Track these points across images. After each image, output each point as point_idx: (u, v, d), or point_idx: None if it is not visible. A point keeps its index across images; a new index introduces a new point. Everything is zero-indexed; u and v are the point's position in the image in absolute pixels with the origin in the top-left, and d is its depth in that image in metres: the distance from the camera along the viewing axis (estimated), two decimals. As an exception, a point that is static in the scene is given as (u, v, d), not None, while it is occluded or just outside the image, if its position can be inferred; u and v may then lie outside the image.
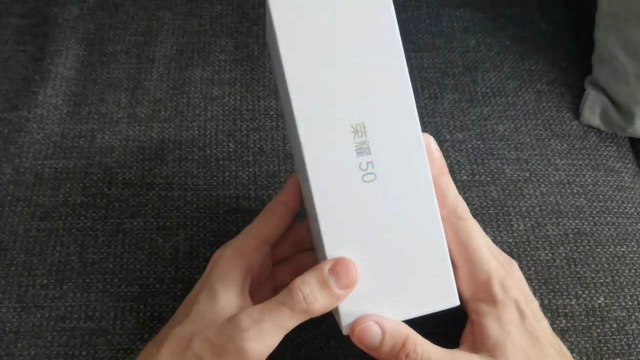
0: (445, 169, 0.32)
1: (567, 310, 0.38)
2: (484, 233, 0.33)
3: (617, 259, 0.40)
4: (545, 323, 0.32)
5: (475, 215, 0.35)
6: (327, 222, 0.30)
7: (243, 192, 0.42)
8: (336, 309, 0.30)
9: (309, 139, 0.29)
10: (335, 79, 0.30)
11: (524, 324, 0.31)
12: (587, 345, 0.37)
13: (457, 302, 0.30)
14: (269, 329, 0.29)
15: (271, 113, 0.46)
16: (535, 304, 0.32)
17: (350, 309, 0.30)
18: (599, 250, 0.40)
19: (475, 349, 0.31)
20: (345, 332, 0.30)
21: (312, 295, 0.29)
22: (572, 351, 0.36)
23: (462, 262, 0.32)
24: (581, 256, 0.40)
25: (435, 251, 0.30)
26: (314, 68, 0.30)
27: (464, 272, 0.32)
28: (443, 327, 0.33)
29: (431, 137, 0.31)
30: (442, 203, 0.31)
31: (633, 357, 0.36)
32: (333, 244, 0.30)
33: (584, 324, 0.38)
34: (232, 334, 0.29)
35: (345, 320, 0.30)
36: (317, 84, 0.30)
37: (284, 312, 0.29)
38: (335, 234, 0.30)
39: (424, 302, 0.30)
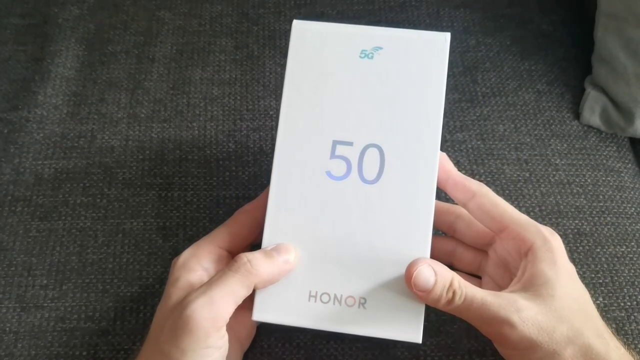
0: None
1: (566, 311, 0.38)
2: None
3: (616, 259, 0.40)
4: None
5: (475, 216, 0.35)
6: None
7: (243, 192, 0.42)
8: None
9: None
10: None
11: (572, 274, 0.32)
12: (587, 346, 0.37)
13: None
14: (217, 296, 0.29)
15: (271, 113, 0.46)
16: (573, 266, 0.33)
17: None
18: (598, 250, 0.40)
19: (522, 287, 0.31)
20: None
21: (255, 259, 0.30)
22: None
23: (507, 222, 0.33)
24: (581, 256, 0.40)
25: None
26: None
27: (513, 231, 0.32)
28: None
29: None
30: (468, 188, 0.33)
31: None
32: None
33: (584, 324, 0.38)
34: (181, 310, 0.29)
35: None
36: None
37: (229, 275, 0.29)
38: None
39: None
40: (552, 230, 0.33)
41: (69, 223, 0.41)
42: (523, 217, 0.33)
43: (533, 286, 0.31)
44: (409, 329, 0.30)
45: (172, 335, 0.28)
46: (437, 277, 0.29)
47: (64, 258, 0.40)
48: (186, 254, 0.33)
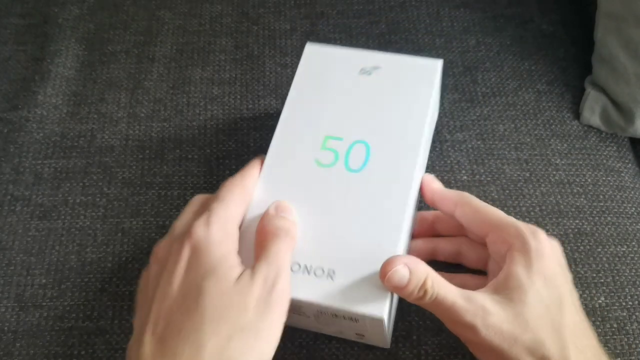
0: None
1: (567, 310, 0.38)
2: None
3: (617, 259, 0.40)
4: (575, 294, 0.32)
5: (475, 214, 0.35)
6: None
7: (242, 192, 0.42)
8: None
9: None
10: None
11: (552, 278, 0.31)
12: (588, 345, 0.37)
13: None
14: (288, 269, 0.31)
15: (271, 112, 0.46)
16: (568, 273, 0.33)
17: None
18: (599, 250, 0.40)
19: (494, 289, 0.31)
20: None
21: (294, 225, 0.33)
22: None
23: (489, 226, 0.33)
24: (582, 256, 0.40)
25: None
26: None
27: (495, 233, 0.33)
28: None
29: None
30: (450, 199, 0.35)
31: (633, 357, 0.36)
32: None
33: (585, 324, 0.37)
34: (270, 288, 0.29)
35: None
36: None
37: (288, 245, 0.32)
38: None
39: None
40: (540, 233, 0.32)
41: (69, 222, 0.41)
42: (505, 220, 0.33)
43: (505, 289, 0.30)
44: (374, 305, 0.31)
45: (267, 311, 0.29)
46: (411, 275, 0.30)
47: (63, 257, 0.40)
48: (217, 233, 0.31)
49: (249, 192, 0.34)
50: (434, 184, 0.36)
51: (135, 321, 0.31)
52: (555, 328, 0.30)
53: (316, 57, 0.40)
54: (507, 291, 0.30)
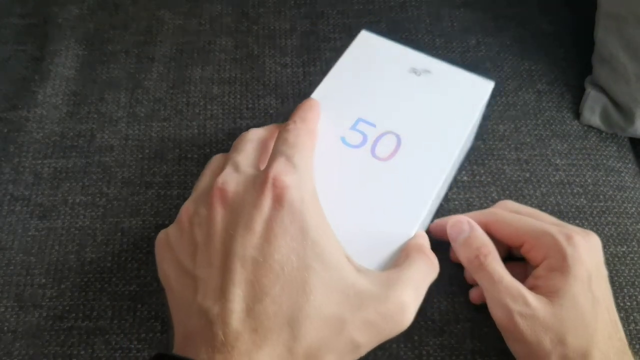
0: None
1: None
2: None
3: (617, 259, 0.40)
4: (609, 292, 0.33)
5: (474, 214, 0.35)
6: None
7: (242, 192, 0.42)
8: None
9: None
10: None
11: (588, 282, 0.31)
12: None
13: None
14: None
15: (271, 112, 0.46)
16: (604, 271, 0.33)
17: None
18: (599, 250, 0.40)
19: (532, 289, 0.32)
20: None
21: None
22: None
23: (523, 238, 0.34)
24: (581, 256, 0.40)
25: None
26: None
27: (529, 243, 0.33)
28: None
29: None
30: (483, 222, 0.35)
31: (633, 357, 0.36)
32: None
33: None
34: (395, 300, 0.27)
35: None
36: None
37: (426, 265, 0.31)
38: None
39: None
40: (575, 237, 0.32)
41: (68, 222, 0.41)
42: (538, 229, 0.33)
43: (543, 292, 0.31)
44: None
45: (397, 322, 0.27)
46: (471, 233, 0.33)
47: (63, 257, 0.40)
48: (309, 189, 0.28)
49: (315, 141, 0.32)
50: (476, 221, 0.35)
51: (189, 260, 0.27)
52: (587, 333, 0.30)
53: (369, 45, 0.39)
54: (545, 293, 0.31)
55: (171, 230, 0.30)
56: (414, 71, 0.38)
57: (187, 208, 0.30)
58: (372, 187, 0.33)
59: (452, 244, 0.34)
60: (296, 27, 0.51)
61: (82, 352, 0.36)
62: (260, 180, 0.28)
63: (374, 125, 0.35)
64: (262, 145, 0.33)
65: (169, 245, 0.29)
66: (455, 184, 0.42)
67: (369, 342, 0.26)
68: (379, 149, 0.34)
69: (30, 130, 0.45)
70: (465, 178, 0.43)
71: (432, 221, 0.37)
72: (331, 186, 0.32)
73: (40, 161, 0.44)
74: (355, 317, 0.25)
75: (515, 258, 0.36)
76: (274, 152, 0.30)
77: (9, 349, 0.36)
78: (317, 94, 0.36)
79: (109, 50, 0.50)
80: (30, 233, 0.40)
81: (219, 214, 0.28)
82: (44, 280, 0.39)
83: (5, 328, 0.37)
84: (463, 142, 0.36)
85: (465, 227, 0.33)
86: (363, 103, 0.36)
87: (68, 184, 0.43)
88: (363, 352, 0.27)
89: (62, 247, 0.40)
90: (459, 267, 0.37)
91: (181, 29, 0.51)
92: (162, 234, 0.31)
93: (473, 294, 0.36)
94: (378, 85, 0.37)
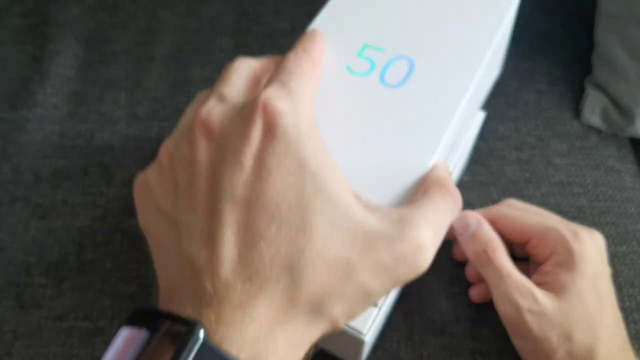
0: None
1: (567, 311, 0.38)
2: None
3: (617, 259, 0.40)
4: (612, 289, 0.33)
5: (475, 215, 0.35)
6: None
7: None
8: None
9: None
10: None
11: (594, 279, 0.32)
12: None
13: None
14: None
15: (270, 112, 0.46)
16: (608, 268, 0.34)
17: None
18: (599, 250, 0.40)
19: (539, 284, 0.32)
20: None
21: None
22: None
23: (529, 234, 0.34)
24: (581, 256, 0.40)
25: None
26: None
27: (536, 239, 0.33)
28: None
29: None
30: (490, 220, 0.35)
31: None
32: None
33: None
34: (414, 244, 0.23)
35: None
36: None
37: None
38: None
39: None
40: (581, 233, 0.33)
41: (68, 222, 0.41)
42: (545, 225, 0.33)
43: (550, 288, 0.32)
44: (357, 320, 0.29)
45: (413, 265, 0.23)
46: (478, 228, 0.33)
47: (63, 257, 0.40)
48: (306, 116, 0.24)
49: (319, 72, 0.28)
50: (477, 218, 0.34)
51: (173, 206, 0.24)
52: (592, 329, 0.31)
53: None
54: (551, 289, 0.31)
55: (150, 171, 0.26)
56: None
57: (167, 146, 0.26)
58: (382, 116, 0.29)
59: (459, 238, 0.33)
60: (296, 26, 0.51)
61: (82, 353, 0.36)
62: (248, 107, 0.24)
63: (382, 50, 0.31)
64: (253, 75, 0.28)
65: (148, 188, 0.26)
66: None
67: (381, 288, 0.23)
68: (389, 76, 0.31)
69: (30, 130, 0.45)
70: (465, 178, 0.43)
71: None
72: (335, 118, 0.29)
73: (40, 161, 0.44)
74: (365, 260, 0.22)
75: (515, 258, 0.36)
76: (269, 80, 0.26)
77: (9, 349, 0.36)
78: (318, 21, 0.32)
79: (108, 50, 0.50)
80: (30, 233, 0.40)
81: (203, 149, 0.24)
82: (44, 280, 0.39)
83: (5, 328, 0.37)
84: (485, 61, 0.32)
85: (473, 220, 0.33)
86: (370, 26, 0.32)
87: (68, 184, 0.43)
88: (374, 300, 0.24)
89: (62, 247, 0.40)
90: (459, 267, 0.37)
91: (181, 28, 0.51)
92: (140, 177, 0.27)
93: (473, 292, 0.36)
94: (385, 6, 0.33)
